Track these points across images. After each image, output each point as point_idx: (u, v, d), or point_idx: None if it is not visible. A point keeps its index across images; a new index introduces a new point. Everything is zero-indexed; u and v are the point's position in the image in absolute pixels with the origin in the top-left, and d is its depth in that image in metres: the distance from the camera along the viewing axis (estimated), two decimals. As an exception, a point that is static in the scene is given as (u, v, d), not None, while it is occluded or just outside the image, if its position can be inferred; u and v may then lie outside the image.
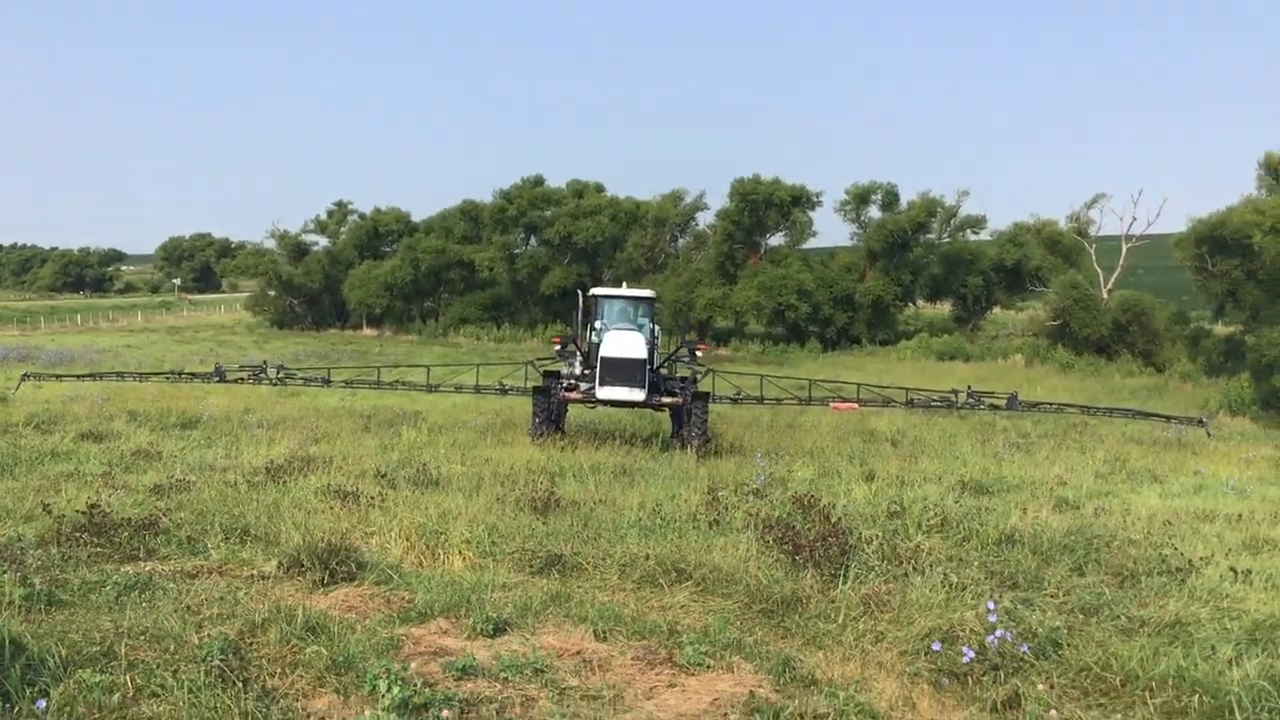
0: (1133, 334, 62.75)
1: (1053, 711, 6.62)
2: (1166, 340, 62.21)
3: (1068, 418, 33.73)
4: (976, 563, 10.77)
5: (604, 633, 8.51)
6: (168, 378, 30.50)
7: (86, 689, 6.49)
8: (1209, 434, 30.43)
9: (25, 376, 33.85)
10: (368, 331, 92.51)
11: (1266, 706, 6.77)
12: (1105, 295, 67.01)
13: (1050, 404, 32.06)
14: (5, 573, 8.83)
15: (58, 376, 36.30)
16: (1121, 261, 69.78)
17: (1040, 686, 7.06)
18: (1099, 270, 69.60)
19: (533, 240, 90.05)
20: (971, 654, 7.45)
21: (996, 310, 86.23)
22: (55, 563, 9.93)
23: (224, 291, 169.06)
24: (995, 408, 29.78)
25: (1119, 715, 6.72)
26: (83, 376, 35.04)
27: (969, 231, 79.95)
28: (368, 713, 6.40)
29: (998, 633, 7.62)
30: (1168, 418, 32.33)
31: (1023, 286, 77.87)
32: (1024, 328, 75.48)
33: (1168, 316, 64.86)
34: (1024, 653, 7.57)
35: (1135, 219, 70.15)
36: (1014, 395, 29.82)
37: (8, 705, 6.22)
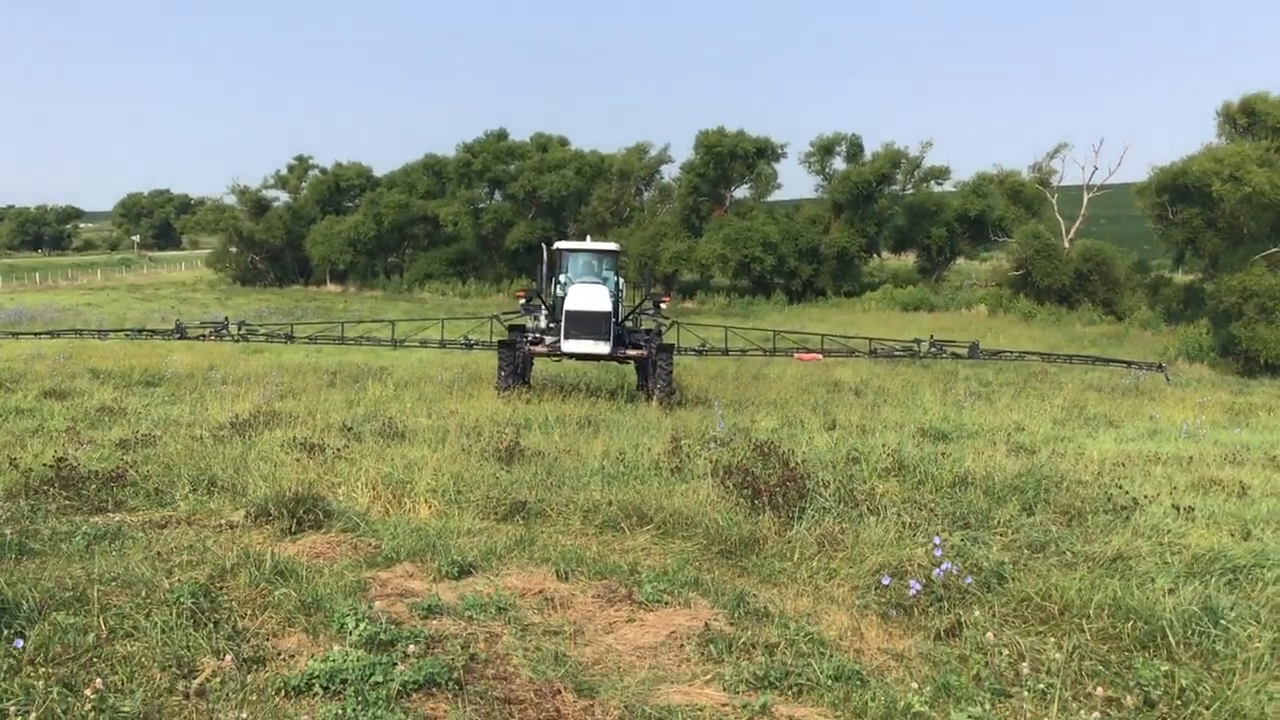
0: (1094, 283, 63.44)
1: (989, 634, 6.91)
2: (1127, 289, 63.03)
3: (1029, 366, 34.28)
4: (930, 504, 11.06)
5: (566, 573, 8.76)
6: (128, 335, 30.37)
7: (62, 630, 6.66)
8: (1168, 379, 31.04)
9: None
10: (332, 288, 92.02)
11: (1196, 630, 7.10)
12: (1067, 245, 67.62)
13: (1011, 352, 32.59)
14: (-25, 524, 8.96)
15: (14, 334, 36.04)
16: (1083, 211, 70.35)
17: (977, 613, 7.35)
18: (1061, 220, 70.16)
19: (497, 195, 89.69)
20: (918, 587, 7.75)
21: (960, 261, 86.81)
22: (24, 514, 10.05)
23: (184, 248, 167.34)
24: (957, 356, 30.23)
25: (1054, 640, 7.02)
26: (40, 334, 34.85)
27: (933, 183, 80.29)
28: (336, 649, 6.61)
29: (943, 566, 7.91)
30: (1128, 363, 32.97)
31: (986, 237, 78.37)
32: (987, 278, 76.08)
33: (1128, 265, 65.65)
34: (968, 585, 7.88)
35: (1097, 168, 70.73)
36: (975, 344, 30.28)
37: (-15, 646, 6.39)
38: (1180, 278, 64.23)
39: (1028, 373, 33.01)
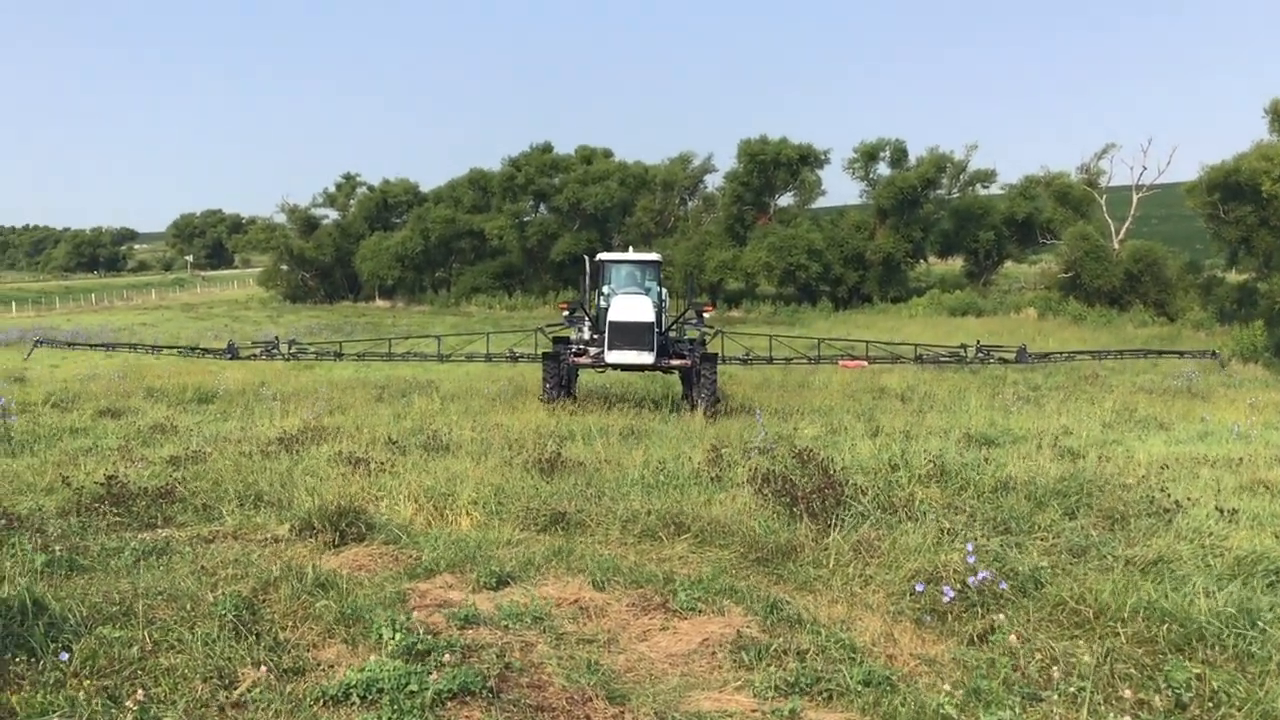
0: (1145, 284, 62.61)
1: (1013, 636, 6.90)
2: (1179, 289, 62.10)
3: (1079, 369, 33.94)
4: (970, 510, 11.03)
5: (602, 583, 8.84)
6: (180, 351, 30.85)
7: (107, 643, 6.83)
8: (1222, 365, 30.67)
9: (38, 342, 34.58)
10: (380, 303, 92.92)
11: (1233, 632, 7.04)
12: (1117, 246, 66.85)
13: (1060, 354, 32.21)
14: (27, 541, 9.17)
15: (69, 345, 36.96)
16: (1133, 211, 69.54)
17: (1001, 616, 7.34)
18: (1110, 221, 69.38)
19: (542, 208, 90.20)
20: (952, 593, 7.75)
21: (1008, 264, 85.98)
22: (75, 531, 10.28)
23: (236, 267, 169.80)
24: (1005, 361, 29.94)
25: (1084, 643, 6.99)
26: (95, 346, 35.69)
27: (979, 186, 79.69)
28: (373, 659, 6.73)
29: (980, 574, 7.90)
30: (1180, 353, 32.62)
31: (1034, 240, 77.65)
32: (1036, 281, 75.28)
33: (1180, 265, 64.70)
34: (1003, 590, 7.86)
35: (1146, 168, 69.92)
36: (1023, 347, 29.98)
37: (33, 659, 6.57)
38: (1234, 277, 63.23)
39: (1078, 376, 32.66)
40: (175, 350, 30.76)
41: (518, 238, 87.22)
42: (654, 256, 26.71)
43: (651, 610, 8.21)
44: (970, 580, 7.89)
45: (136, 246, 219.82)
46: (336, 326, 62.60)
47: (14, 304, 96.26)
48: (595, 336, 24.05)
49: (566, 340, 25.05)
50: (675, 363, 23.84)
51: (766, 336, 30.25)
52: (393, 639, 7.10)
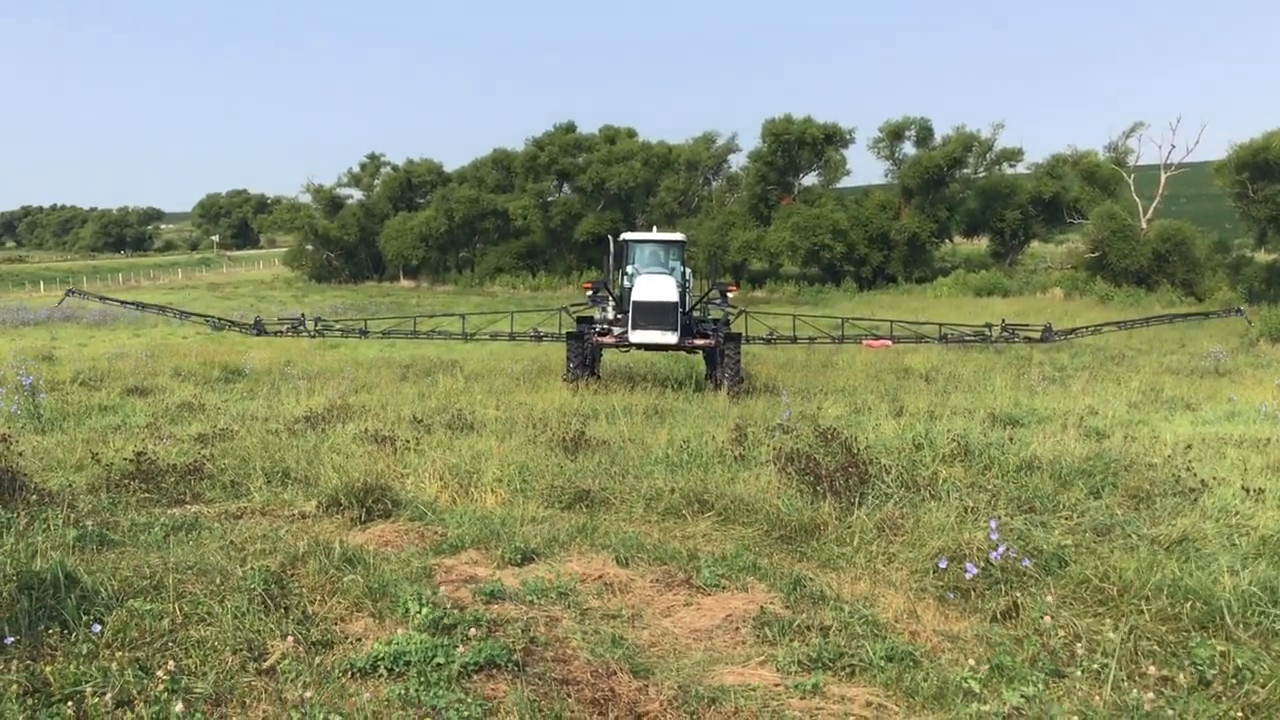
0: (1173, 264, 62.12)
1: (1047, 618, 6.91)
2: (1207, 269, 61.62)
3: (1106, 350, 33.76)
4: (994, 489, 11.03)
5: (626, 559, 8.90)
6: (208, 320, 31.05)
7: (138, 616, 6.93)
8: (1249, 323, 30.51)
9: (70, 291, 35.15)
10: (404, 283, 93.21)
11: (1256, 610, 7.04)
12: (1144, 225, 66.35)
13: (1086, 327, 32.03)
14: (58, 516, 9.30)
15: (101, 298, 37.52)
16: (1160, 191, 69.01)
17: (1032, 595, 7.35)
18: (1138, 200, 68.84)
19: (565, 188, 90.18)
20: (975, 570, 7.76)
21: (1035, 244, 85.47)
22: (105, 507, 10.40)
23: (262, 247, 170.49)
24: (1030, 340, 29.81)
25: (1111, 621, 7.01)
26: (126, 303, 36.18)
27: (1005, 165, 79.15)
28: (400, 632, 6.81)
29: (1000, 549, 7.91)
30: (1205, 314, 32.50)
31: (1061, 219, 77.18)
32: (1062, 261, 74.85)
33: (1208, 245, 64.19)
34: (1025, 567, 7.87)
35: (1174, 147, 69.34)
36: (1048, 326, 29.88)
37: (65, 630, 6.68)
38: (1263, 257, 62.75)
39: (1104, 356, 32.48)
40: (203, 319, 30.95)
41: (541, 218, 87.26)
42: (678, 236, 26.71)
43: (675, 586, 8.26)
44: (993, 555, 7.91)
45: (163, 226, 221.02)
46: (361, 306, 62.84)
47: (42, 283, 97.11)
48: (619, 316, 24.09)
49: (590, 320, 25.10)
50: (699, 342, 23.86)
51: (790, 316, 30.27)
52: (419, 613, 7.18)
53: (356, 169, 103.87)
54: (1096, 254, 65.12)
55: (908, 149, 79.51)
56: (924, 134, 78.96)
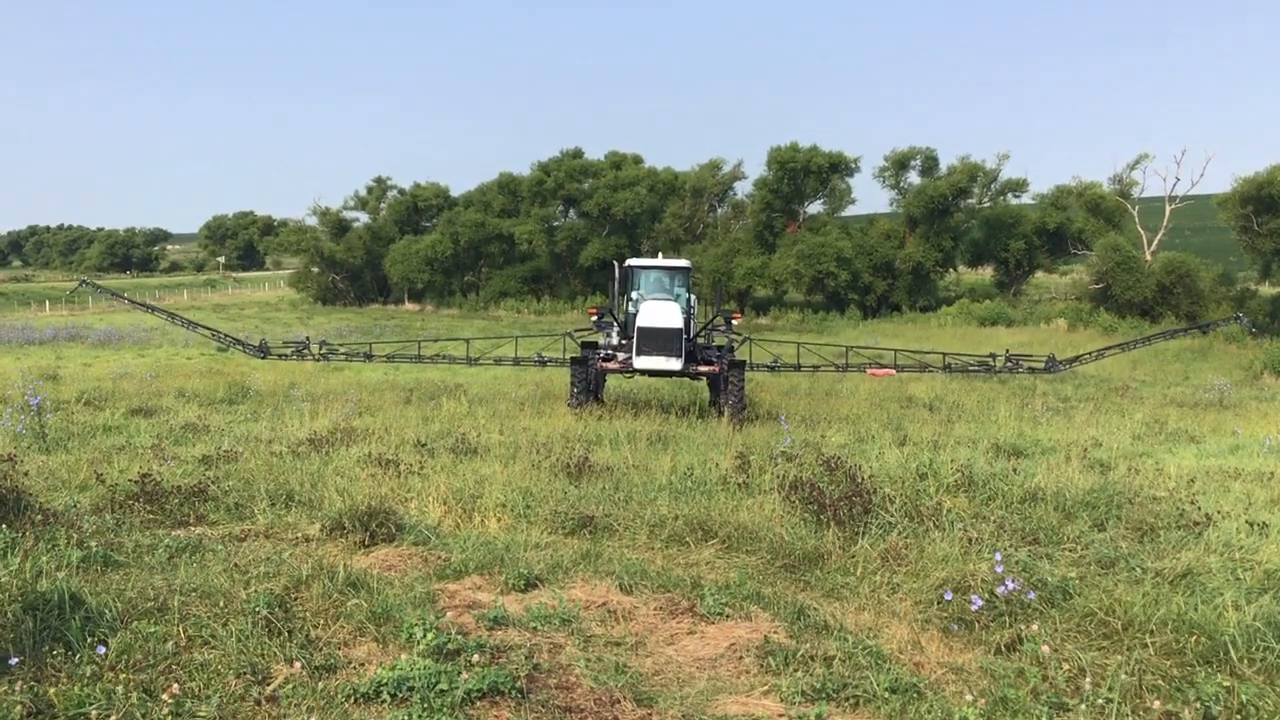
0: (1177, 296, 62.18)
1: (1045, 647, 6.90)
2: (1211, 301, 61.65)
3: (1110, 382, 33.77)
4: (998, 520, 11.02)
5: (630, 586, 8.89)
6: (214, 334, 31.07)
7: (143, 638, 6.94)
8: (1253, 332, 30.61)
9: (83, 282, 35.35)
10: (409, 306, 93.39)
11: (1261, 646, 7.03)
12: (1149, 257, 66.46)
13: (1089, 353, 31.99)
14: (63, 536, 9.31)
15: (111, 293, 38.10)
16: (1165, 223, 69.13)
17: (1034, 626, 7.33)
18: (1142, 232, 68.99)
19: (571, 213, 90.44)
20: (980, 602, 7.76)
21: (1039, 274, 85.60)
22: (109, 528, 10.41)
23: (267, 269, 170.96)
24: (1034, 370, 29.78)
25: (1113, 655, 6.99)
26: (136, 303, 36.44)
27: (1010, 195, 79.36)
28: (404, 657, 6.81)
29: (1007, 583, 7.90)
30: (1206, 326, 32.67)
31: (1065, 250, 77.31)
32: (1066, 292, 74.92)
33: (1213, 277, 64.26)
34: (1030, 600, 7.86)
35: (1179, 179, 69.60)
36: (1051, 356, 29.81)
37: (70, 652, 6.68)
38: (1267, 290, 62.77)
39: (1108, 388, 32.50)
40: (210, 332, 30.97)
41: (547, 242, 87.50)
42: (683, 263, 26.76)
43: (679, 614, 8.26)
44: (998, 589, 7.90)
45: (169, 247, 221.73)
46: (366, 329, 62.94)
47: (48, 302, 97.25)
48: (623, 342, 24.13)
49: (595, 345, 25.13)
50: (703, 369, 23.87)
51: (794, 344, 30.25)
52: (423, 638, 7.17)
53: (363, 192, 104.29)
54: (1101, 285, 65.21)
55: (913, 178, 79.83)
56: (929, 163, 79.26)
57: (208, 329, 31.40)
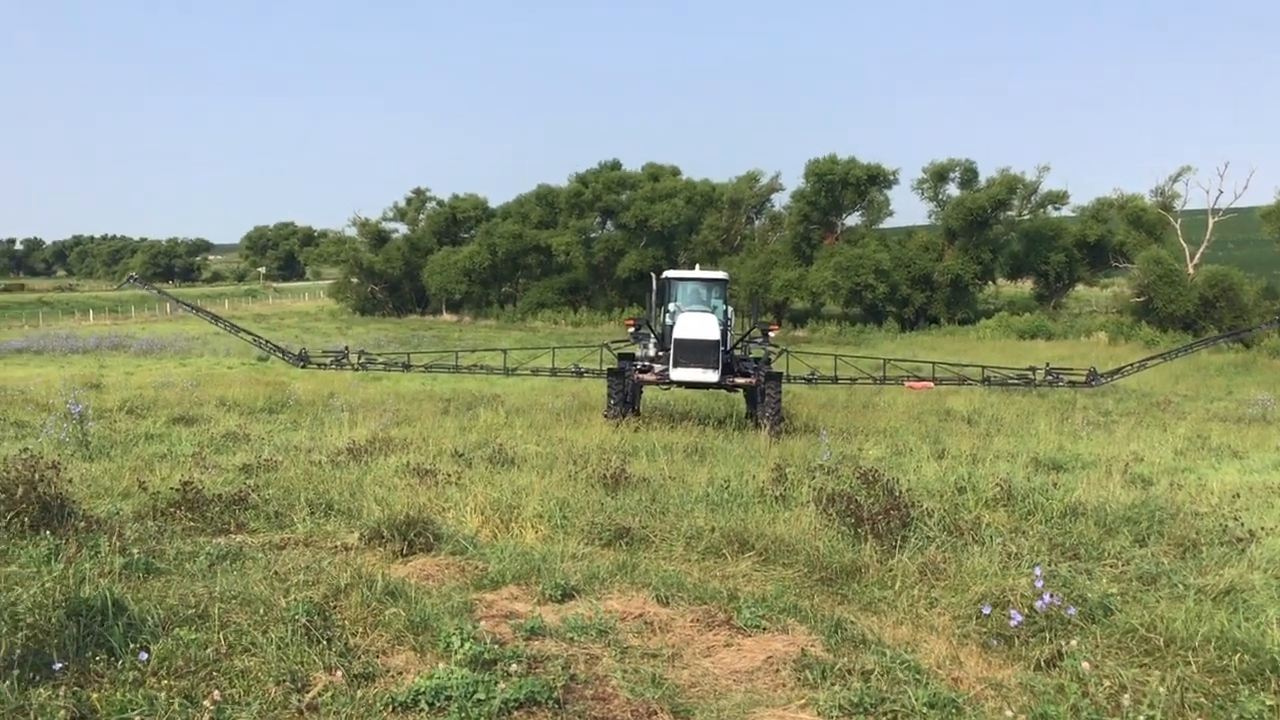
0: (1220, 309, 61.51)
1: (1085, 663, 6.83)
2: (1255, 315, 60.88)
3: (1152, 396, 33.42)
4: (1038, 534, 10.95)
5: (666, 598, 8.88)
6: (256, 340, 31.39)
7: (184, 645, 7.00)
8: None
9: (131, 278, 36.06)
10: (447, 317, 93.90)
11: (1307, 664, 6.93)
12: (1191, 270, 65.80)
13: (1130, 365, 31.65)
14: (105, 543, 9.41)
15: (159, 291, 39.52)
16: (1208, 236, 68.46)
17: (1074, 642, 7.26)
18: (1185, 245, 68.32)
19: (609, 224, 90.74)
20: (1019, 617, 7.69)
21: (1079, 287, 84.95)
22: (151, 535, 10.50)
23: (307, 279, 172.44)
24: (1074, 384, 29.51)
25: (1158, 672, 6.91)
26: (183, 303, 37.19)
27: (1050, 208, 78.91)
28: (441, 666, 6.84)
29: (1046, 597, 7.83)
30: (1249, 329, 32.37)
31: (1106, 263, 76.67)
32: (1108, 305, 74.34)
33: (1256, 291, 63.53)
34: (1070, 616, 7.79)
35: (1222, 192, 69.04)
36: (1092, 370, 29.53)
37: (112, 657, 6.75)
38: (1313, 304, 61.88)
39: (1149, 402, 32.16)
40: (252, 337, 31.31)
41: (584, 254, 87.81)
42: (720, 275, 26.75)
43: (716, 626, 8.23)
44: (1038, 604, 7.83)
45: (211, 258, 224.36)
46: (404, 339, 63.36)
47: (91, 312, 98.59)
48: (660, 354, 24.14)
49: (632, 357, 25.16)
50: (740, 381, 23.84)
51: (831, 356, 30.15)
52: (461, 648, 7.20)
53: (402, 203, 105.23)
54: (1142, 299, 64.61)
55: (952, 190, 79.60)
56: (968, 176, 78.95)
57: (250, 334, 31.71)
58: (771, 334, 25.16)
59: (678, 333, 23.05)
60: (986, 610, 7.97)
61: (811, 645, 7.73)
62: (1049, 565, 9.06)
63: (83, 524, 10.02)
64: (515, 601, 8.88)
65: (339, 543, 10.77)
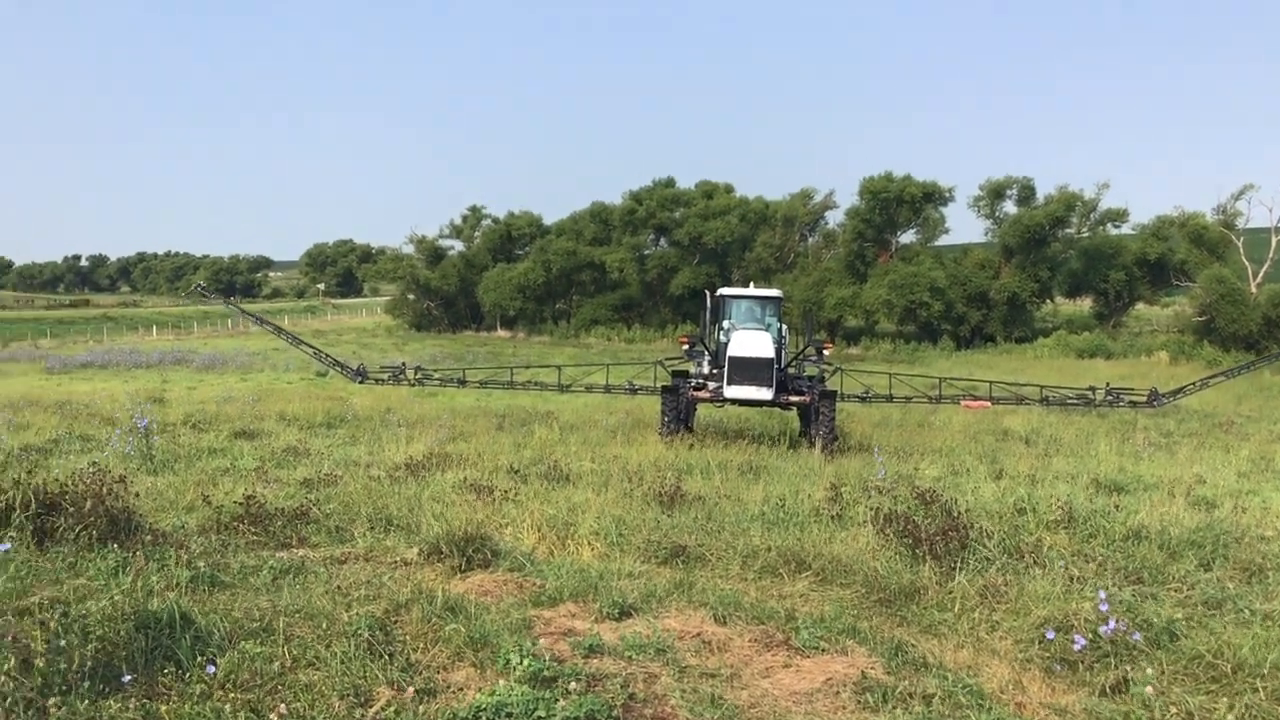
0: (1284, 330, 60.42)
1: (1149, 688, 6.74)
2: (1320, 335, 59.78)
3: (1214, 417, 32.85)
4: (1100, 558, 10.82)
5: (724, 617, 8.87)
6: (316, 353, 31.84)
7: (250, 659, 7.10)
8: None
9: (198, 287, 37.13)
10: (502, 333, 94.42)
11: (1378, 694, 6.79)
12: (1254, 290, 64.65)
13: (1193, 383, 31.15)
14: (172, 556, 9.57)
15: (226, 299, 41.63)
16: (1271, 254, 67.30)
17: (1148, 670, 7.16)
18: (1247, 264, 67.20)
19: (662, 241, 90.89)
20: (1083, 642, 7.60)
21: (1140, 306, 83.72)
22: (216, 548, 10.67)
23: (365, 295, 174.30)
24: (1135, 404, 29.09)
25: (1225, 700, 6.80)
26: (246, 313, 38.17)
27: (1109, 225, 77.85)
28: (501, 683, 6.88)
29: (1110, 623, 7.74)
30: None
31: (1167, 281, 75.56)
32: (1169, 324, 73.21)
33: (1321, 310, 62.26)
34: (1135, 641, 7.69)
35: (1286, 210, 67.57)
36: (1154, 390, 29.11)
37: (180, 670, 6.87)
38: (1380, 324, 60.57)
39: (1212, 423, 31.61)
40: (313, 351, 31.82)
41: (637, 271, 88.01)
42: (774, 292, 26.72)
43: (774, 647, 8.22)
44: (1102, 629, 7.74)
45: (271, 274, 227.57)
46: (459, 355, 63.78)
47: (155, 327, 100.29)
48: (714, 371, 24.14)
49: (685, 374, 25.18)
50: (794, 399, 23.78)
51: (886, 374, 29.99)
52: (520, 665, 7.24)
53: (458, 220, 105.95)
54: (1204, 318, 63.62)
55: (1009, 208, 78.87)
56: (1026, 193, 78.20)
57: (312, 348, 32.19)
58: (825, 352, 25.08)
59: (732, 350, 23.05)
60: (1050, 635, 7.89)
61: (871, 667, 7.69)
62: (1113, 589, 8.94)
63: (149, 537, 10.18)
64: (573, 619, 8.91)
65: (398, 558, 10.87)
